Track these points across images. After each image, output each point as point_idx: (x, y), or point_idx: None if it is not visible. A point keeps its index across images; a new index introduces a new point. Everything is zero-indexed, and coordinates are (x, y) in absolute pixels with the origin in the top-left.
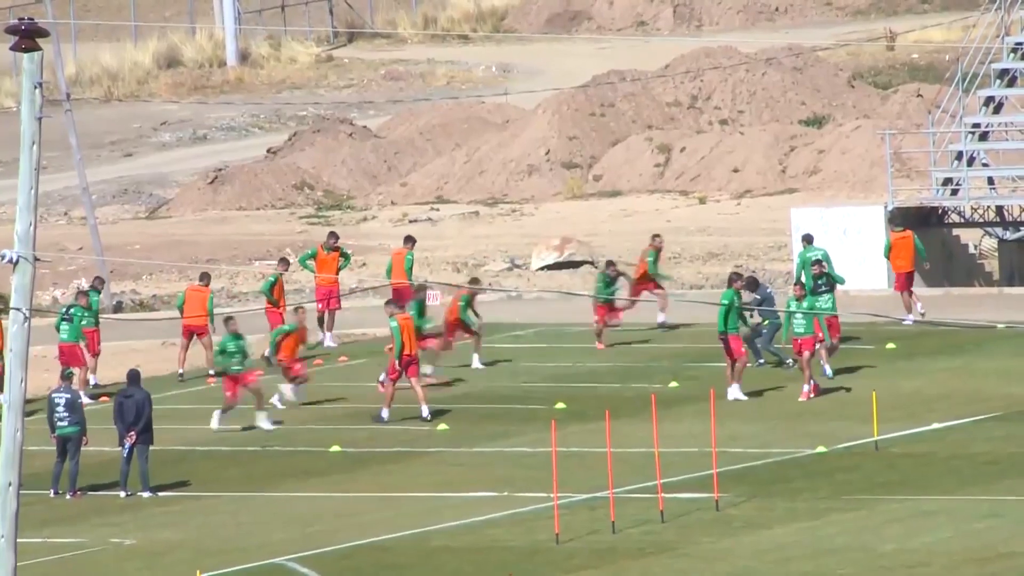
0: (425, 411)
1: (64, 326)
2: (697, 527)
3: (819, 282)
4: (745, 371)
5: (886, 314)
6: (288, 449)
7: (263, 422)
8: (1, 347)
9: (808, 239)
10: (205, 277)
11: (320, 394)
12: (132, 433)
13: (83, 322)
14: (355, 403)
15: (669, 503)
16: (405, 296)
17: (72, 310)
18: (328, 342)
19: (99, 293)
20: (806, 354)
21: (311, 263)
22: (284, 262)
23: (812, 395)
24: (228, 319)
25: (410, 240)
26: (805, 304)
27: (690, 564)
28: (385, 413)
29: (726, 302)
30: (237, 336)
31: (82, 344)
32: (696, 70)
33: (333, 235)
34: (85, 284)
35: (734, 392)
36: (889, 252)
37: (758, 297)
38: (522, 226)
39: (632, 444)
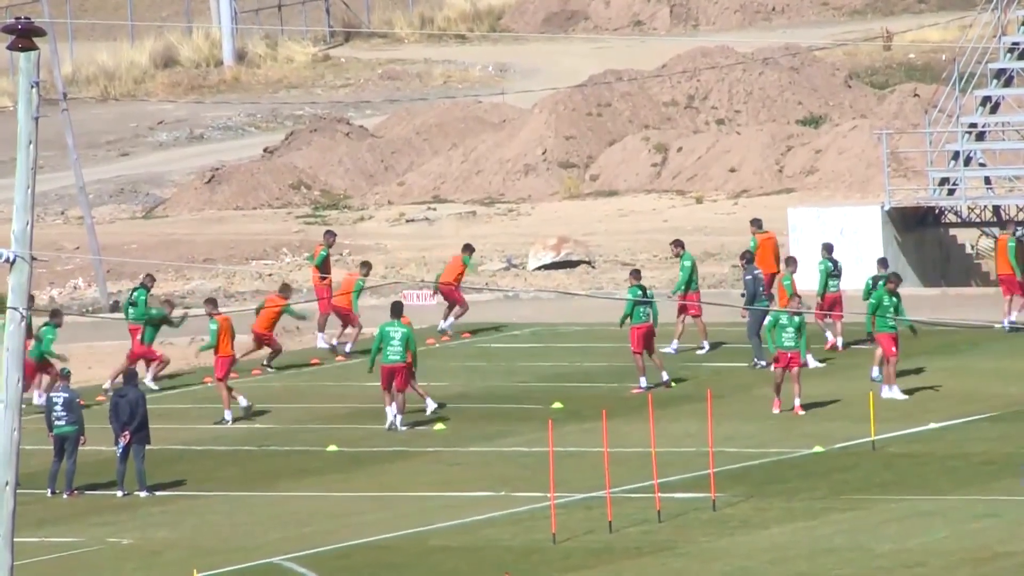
0: (243, 401)
1: (131, 310)
2: (694, 527)
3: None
4: (743, 372)
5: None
6: (285, 448)
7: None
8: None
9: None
10: (286, 289)
11: (317, 394)
12: (126, 433)
13: (130, 318)
14: (352, 403)
15: (666, 503)
16: (454, 297)
17: (136, 293)
18: (322, 343)
19: (148, 291)
20: (795, 370)
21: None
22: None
23: (776, 406)
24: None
25: (469, 248)
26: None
27: (687, 564)
28: (228, 415)
29: (874, 301)
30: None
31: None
32: (693, 70)
33: (331, 233)
34: (82, 283)
35: (892, 392)
36: (756, 251)
37: (754, 274)
38: (519, 226)
39: (629, 444)
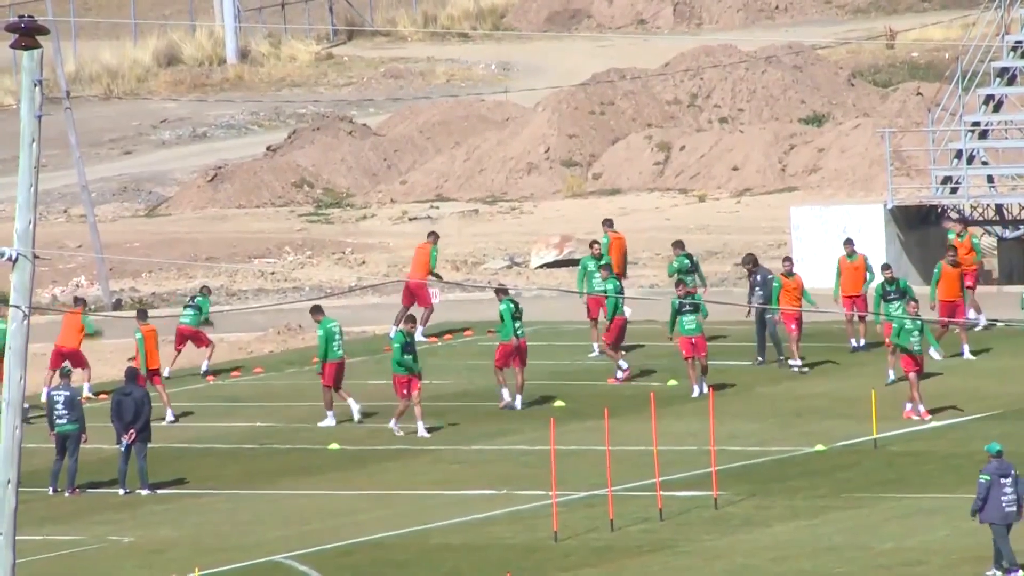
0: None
1: (188, 311)
2: (696, 525)
3: (889, 288)
4: (746, 370)
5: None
6: (286, 447)
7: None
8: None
9: (680, 245)
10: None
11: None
12: (131, 431)
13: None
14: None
15: (668, 501)
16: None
17: (197, 299)
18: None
19: (207, 298)
20: (917, 374)
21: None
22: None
23: (925, 416)
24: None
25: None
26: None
27: (688, 562)
28: None
29: None
30: None
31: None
32: (696, 68)
33: (435, 234)
34: (84, 282)
35: None
36: (608, 250)
37: (768, 277)
38: (521, 224)
39: (631, 442)
